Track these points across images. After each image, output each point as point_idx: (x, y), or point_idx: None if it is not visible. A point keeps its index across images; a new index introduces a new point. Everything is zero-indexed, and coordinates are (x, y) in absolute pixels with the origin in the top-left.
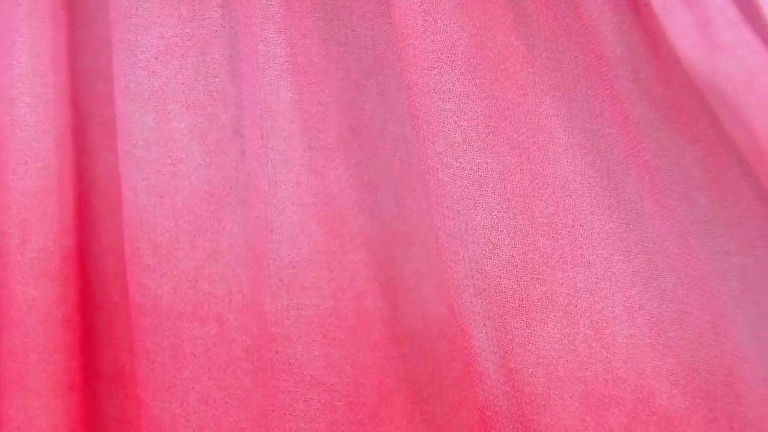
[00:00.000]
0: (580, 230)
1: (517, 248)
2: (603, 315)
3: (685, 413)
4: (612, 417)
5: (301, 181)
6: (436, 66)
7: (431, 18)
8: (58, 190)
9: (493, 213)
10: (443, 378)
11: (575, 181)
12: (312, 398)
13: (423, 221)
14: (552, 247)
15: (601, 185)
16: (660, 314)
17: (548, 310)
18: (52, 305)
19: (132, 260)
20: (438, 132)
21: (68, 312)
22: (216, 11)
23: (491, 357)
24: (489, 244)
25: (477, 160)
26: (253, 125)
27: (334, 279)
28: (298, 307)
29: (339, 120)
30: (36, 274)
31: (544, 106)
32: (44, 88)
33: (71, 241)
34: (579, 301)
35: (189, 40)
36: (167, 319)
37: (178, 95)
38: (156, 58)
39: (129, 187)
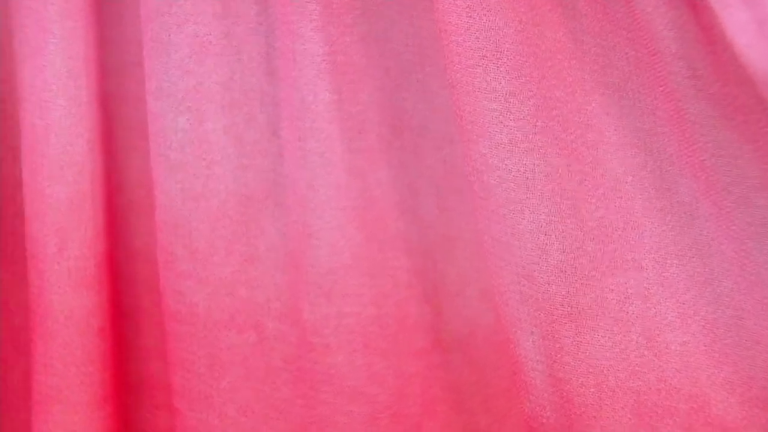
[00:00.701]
0: (632, 233)
1: (566, 253)
2: (655, 322)
3: (742, 423)
4: (666, 428)
5: (340, 184)
6: (480, 64)
7: (476, 14)
8: (92, 195)
9: (541, 216)
10: (488, 387)
11: (626, 182)
12: (353, 410)
13: (467, 225)
14: (602, 251)
15: (653, 186)
16: (715, 320)
17: (598, 317)
18: (89, 315)
19: (166, 266)
20: (483, 132)
21: (102, 321)
22: (252, 8)
23: (539, 366)
24: (536, 248)
25: (523, 162)
26: (290, 126)
27: (376, 285)
28: (338, 315)
29: (379, 120)
30: (73, 283)
31: (593, 104)
32: (78, 90)
33: (104, 248)
34: (630, 307)
35: (224, 38)
36: (204, 326)
37: (213, 95)
38: (190, 57)
39: (162, 191)
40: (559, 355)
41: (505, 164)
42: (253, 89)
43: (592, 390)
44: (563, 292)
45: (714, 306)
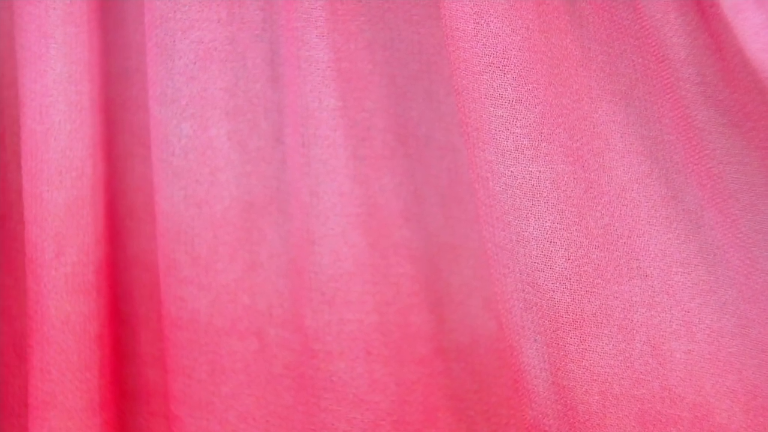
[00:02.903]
0: (637, 241)
1: (570, 260)
2: (660, 330)
3: None
4: None
5: (344, 191)
6: (487, 71)
7: (483, 21)
8: (91, 201)
9: (546, 224)
10: (491, 395)
11: (632, 190)
12: (355, 417)
13: (472, 232)
14: (607, 259)
15: (659, 194)
16: (720, 329)
17: (603, 324)
18: (85, 321)
19: (168, 272)
20: (489, 140)
21: (99, 328)
22: (257, 14)
23: (542, 374)
24: (541, 256)
25: (529, 169)
26: (294, 133)
27: (378, 293)
28: (340, 321)
29: (384, 127)
30: (70, 288)
31: (599, 112)
32: (79, 95)
33: (102, 254)
34: (635, 315)
35: (229, 44)
36: (205, 333)
37: (217, 101)
38: (194, 63)
39: (164, 197)
40: (563, 363)
41: (511, 171)
42: (258, 96)
43: (596, 398)
44: (568, 300)
45: (719, 314)
